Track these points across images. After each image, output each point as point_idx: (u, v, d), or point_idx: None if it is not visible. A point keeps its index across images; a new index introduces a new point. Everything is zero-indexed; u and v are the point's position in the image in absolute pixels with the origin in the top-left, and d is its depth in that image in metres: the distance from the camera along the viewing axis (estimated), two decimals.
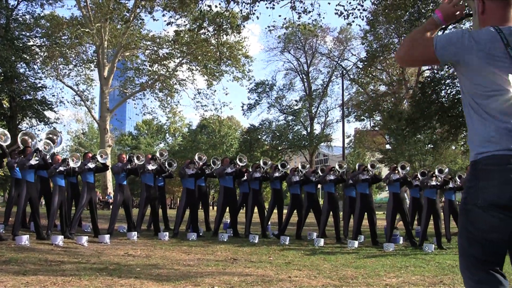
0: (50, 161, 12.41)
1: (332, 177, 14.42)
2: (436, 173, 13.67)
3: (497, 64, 2.55)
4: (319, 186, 16.32)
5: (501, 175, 2.49)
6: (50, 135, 13.45)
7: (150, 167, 13.94)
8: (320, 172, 15.10)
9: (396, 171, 13.78)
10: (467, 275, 2.63)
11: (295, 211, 14.88)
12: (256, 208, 14.93)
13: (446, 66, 23.53)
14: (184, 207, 14.34)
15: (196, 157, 14.65)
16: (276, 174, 14.87)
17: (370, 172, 14.20)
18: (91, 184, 13.01)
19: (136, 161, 13.59)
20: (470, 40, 2.58)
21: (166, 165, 14.61)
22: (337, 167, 14.73)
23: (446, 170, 14.07)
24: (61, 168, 12.17)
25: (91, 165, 12.92)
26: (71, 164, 12.31)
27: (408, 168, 14.18)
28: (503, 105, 2.56)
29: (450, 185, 14.41)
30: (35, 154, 11.75)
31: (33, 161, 11.66)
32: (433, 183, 13.35)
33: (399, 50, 2.78)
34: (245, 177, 15.07)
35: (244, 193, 15.48)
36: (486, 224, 2.52)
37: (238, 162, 14.69)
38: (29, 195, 11.72)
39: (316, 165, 61.54)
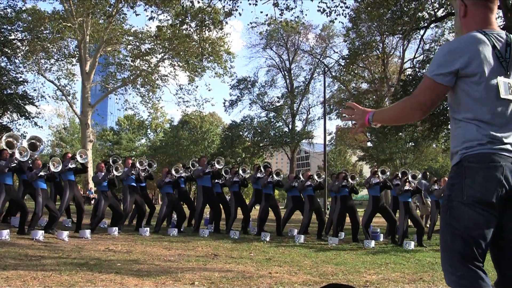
0: (31, 165, 12.33)
1: (309, 183, 14.60)
2: (410, 178, 13.79)
3: (487, 67, 2.64)
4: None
5: (485, 172, 2.58)
6: (33, 141, 13.28)
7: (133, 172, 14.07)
8: (301, 177, 15.21)
9: (376, 176, 13.86)
10: (449, 270, 2.67)
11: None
12: (240, 208, 15.23)
13: (428, 64, 23.70)
14: (166, 211, 14.46)
15: (173, 171, 14.72)
16: (259, 175, 15.02)
17: (350, 183, 14.35)
18: (72, 182, 12.95)
19: (114, 172, 13.47)
20: (459, 54, 2.68)
21: (147, 166, 14.69)
22: (315, 176, 14.89)
23: (420, 176, 14.23)
24: (42, 173, 12.08)
25: (71, 165, 12.84)
26: (52, 169, 12.21)
27: (388, 173, 14.30)
28: (488, 106, 2.66)
29: (435, 187, 14.72)
30: (11, 158, 11.66)
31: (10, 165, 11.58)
32: (407, 187, 13.46)
33: (416, 110, 2.82)
34: (222, 180, 15.35)
35: (217, 192, 15.45)
36: (470, 221, 2.59)
37: (215, 164, 14.80)
38: (9, 197, 11.66)
39: (297, 161, 61.65)
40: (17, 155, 11.64)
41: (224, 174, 15.23)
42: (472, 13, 2.80)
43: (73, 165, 12.89)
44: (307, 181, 14.73)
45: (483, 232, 2.59)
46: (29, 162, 12.20)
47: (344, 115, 3.28)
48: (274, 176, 14.83)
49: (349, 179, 14.30)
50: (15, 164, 11.66)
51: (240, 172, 15.09)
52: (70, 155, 13.53)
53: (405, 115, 2.88)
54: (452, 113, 2.82)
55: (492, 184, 2.57)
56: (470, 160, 2.64)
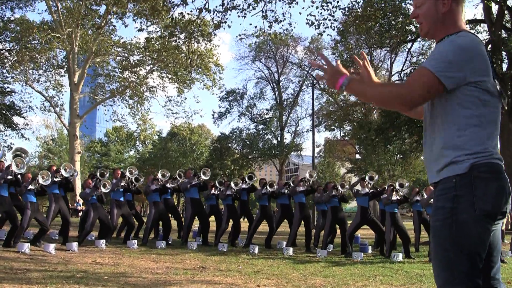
0: (20, 178, 12.25)
1: (301, 189, 14.53)
2: (397, 187, 13.77)
3: (489, 72, 2.56)
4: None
5: (497, 184, 2.44)
6: (18, 153, 13.15)
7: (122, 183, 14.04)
8: (291, 184, 15.16)
9: (365, 183, 13.82)
10: None
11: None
12: (232, 221, 15.22)
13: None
14: (153, 220, 14.39)
15: (159, 174, 14.73)
16: (243, 186, 15.09)
17: (340, 191, 14.33)
18: (57, 195, 12.82)
19: (102, 189, 13.43)
20: (467, 52, 2.52)
21: (133, 180, 14.63)
22: (307, 176, 14.85)
23: (407, 184, 14.24)
24: (31, 187, 11.99)
25: (55, 178, 12.73)
26: (41, 182, 12.10)
27: (376, 178, 14.27)
28: (493, 111, 2.56)
29: (417, 198, 14.66)
30: (7, 170, 11.54)
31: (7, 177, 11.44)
32: (394, 198, 13.43)
33: (402, 98, 2.57)
34: (214, 191, 15.47)
35: (212, 205, 15.73)
36: (478, 236, 2.42)
37: (201, 175, 14.83)
38: (4, 209, 11.52)
39: (286, 174, 61.63)
40: (13, 167, 11.53)
41: (218, 185, 15.26)
42: (454, 10, 2.69)
43: (58, 179, 12.78)
44: (299, 186, 14.65)
45: (485, 248, 2.45)
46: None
47: (316, 70, 3.00)
48: (268, 187, 14.82)
49: (339, 187, 14.28)
50: (11, 177, 11.47)
51: (232, 185, 15.03)
52: (54, 168, 13.41)
53: (387, 101, 2.66)
54: (448, 117, 2.58)
55: (502, 196, 2.45)
56: (481, 169, 2.46)
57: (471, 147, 2.50)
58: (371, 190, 13.68)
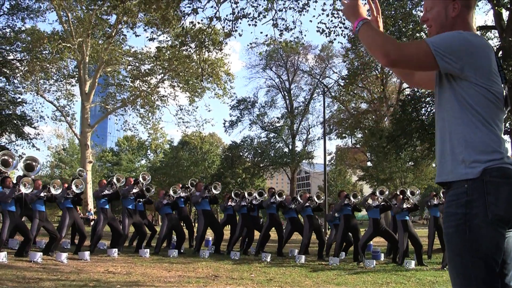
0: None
1: (308, 205, 14.65)
2: (408, 194, 13.74)
3: (496, 72, 2.53)
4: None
5: (509, 188, 2.40)
6: (29, 161, 13.10)
7: (134, 190, 14.05)
8: (299, 198, 15.24)
9: (375, 197, 13.77)
10: None
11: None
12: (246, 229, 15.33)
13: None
14: (166, 230, 14.41)
15: (171, 191, 14.77)
16: (254, 202, 15.27)
17: (353, 201, 14.32)
18: (70, 208, 12.82)
19: (115, 181, 13.50)
20: (476, 44, 2.51)
21: (145, 189, 14.68)
22: (314, 197, 14.96)
23: (418, 192, 14.19)
24: (42, 194, 12.02)
25: (67, 195, 12.74)
26: (52, 191, 12.12)
27: (387, 193, 14.20)
28: (500, 115, 2.54)
29: (435, 201, 14.52)
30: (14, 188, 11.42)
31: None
32: (405, 205, 13.38)
33: (385, 50, 2.52)
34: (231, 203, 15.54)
35: (229, 214, 15.78)
36: (493, 242, 2.38)
37: (212, 189, 14.90)
38: (13, 224, 11.23)
39: (298, 182, 61.57)
40: (21, 187, 11.46)
41: (234, 197, 15.49)
42: (462, 13, 2.67)
43: (70, 196, 12.78)
44: (306, 203, 14.75)
45: (500, 253, 2.40)
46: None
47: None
48: (277, 197, 14.88)
49: (351, 198, 14.27)
50: (19, 194, 11.31)
51: (246, 195, 15.23)
52: (66, 185, 13.40)
53: (375, 48, 2.57)
54: (465, 110, 2.53)
55: None
56: (493, 174, 2.41)
57: (483, 149, 2.46)
58: (381, 203, 13.64)
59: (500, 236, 2.39)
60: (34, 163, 12.54)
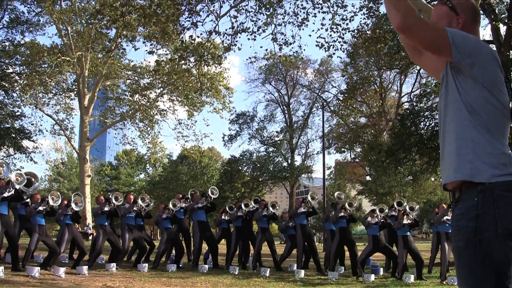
0: (29, 200, 12.23)
1: (302, 209, 14.52)
2: (408, 210, 13.73)
3: (502, 81, 2.53)
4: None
5: None
6: (28, 176, 13.05)
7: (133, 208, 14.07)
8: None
9: (375, 215, 13.75)
10: None
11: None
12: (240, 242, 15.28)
13: (425, 99, 23.80)
14: (165, 244, 14.42)
15: (170, 205, 14.73)
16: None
17: (349, 210, 14.29)
18: (70, 225, 12.78)
19: (114, 201, 13.46)
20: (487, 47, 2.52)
21: (144, 206, 14.65)
22: (309, 198, 14.85)
23: (417, 207, 14.18)
24: (41, 208, 11.97)
25: (66, 212, 12.69)
26: (51, 203, 12.08)
27: (387, 211, 14.15)
28: (507, 123, 2.53)
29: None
30: (7, 185, 11.36)
31: (6, 193, 11.24)
32: (405, 221, 13.35)
33: (405, 13, 2.46)
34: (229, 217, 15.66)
35: (224, 228, 15.90)
36: (504, 256, 2.35)
37: (210, 194, 14.91)
38: (5, 228, 11.17)
39: (297, 196, 61.48)
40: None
41: (229, 211, 15.48)
42: (467, 26, 2.69)
43: (69, 213, 12.72)
44: (300, 207, 14.65)
45: (511, 268, 2.35)
46: (26, 197, 12.05)
47: None
48: (270, 208, 14.82)
49: (347, 207, 14.22)
50: (11, 193, 11.20)
51: (243, 206, 15.15)
52: (65, 202, 13.33)
53: (397, 8, 2.46)
54: (471, 114, 2.50)
55: None
56: (502, 188, 2.39)
57: (490, 151, 2.46)
58: (381, 221, 13.60)
59: (510, 250, 2.36)
60: (33, 179, 12.47)
